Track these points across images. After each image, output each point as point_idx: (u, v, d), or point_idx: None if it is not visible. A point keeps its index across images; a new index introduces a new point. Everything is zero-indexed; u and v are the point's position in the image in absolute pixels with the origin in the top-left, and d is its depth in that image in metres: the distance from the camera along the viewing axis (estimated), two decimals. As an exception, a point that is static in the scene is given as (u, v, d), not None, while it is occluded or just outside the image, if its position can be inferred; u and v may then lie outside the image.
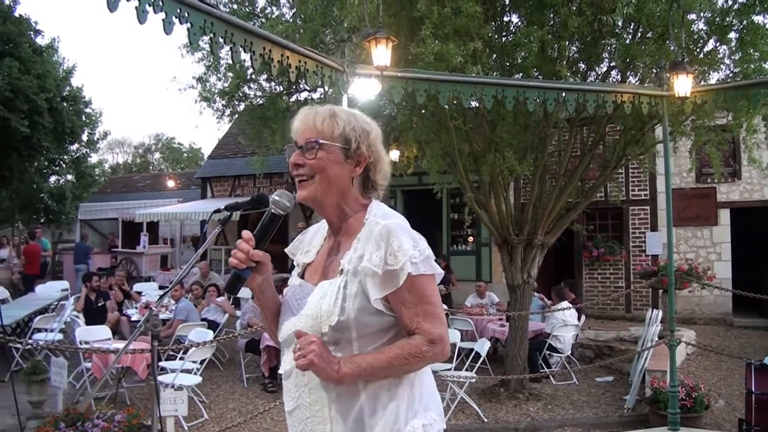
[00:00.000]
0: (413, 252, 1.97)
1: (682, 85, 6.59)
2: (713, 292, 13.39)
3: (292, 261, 2.41)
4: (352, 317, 2.00)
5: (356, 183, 2.16)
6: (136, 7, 3.72)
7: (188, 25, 4.08)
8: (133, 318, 11.08)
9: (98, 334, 8.94)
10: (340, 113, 2.15)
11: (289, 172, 2.19)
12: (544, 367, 9.88)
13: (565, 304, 10.37)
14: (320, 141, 2.08)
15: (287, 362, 2.14)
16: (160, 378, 7.86)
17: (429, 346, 1.97)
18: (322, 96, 13.56)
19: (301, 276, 2.28)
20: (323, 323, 2.01)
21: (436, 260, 2.08)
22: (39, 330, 10.27)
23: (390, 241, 1.98)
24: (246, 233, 2.11)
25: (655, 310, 10.02)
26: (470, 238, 16.51)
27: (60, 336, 10.19)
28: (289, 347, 2.12)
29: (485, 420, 8.00)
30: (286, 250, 2.46)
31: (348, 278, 2.03)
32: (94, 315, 10.64)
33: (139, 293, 13.50)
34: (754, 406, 5.92)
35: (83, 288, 11.22)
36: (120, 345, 8.22)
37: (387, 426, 2.00)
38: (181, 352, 8.33)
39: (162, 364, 8.43)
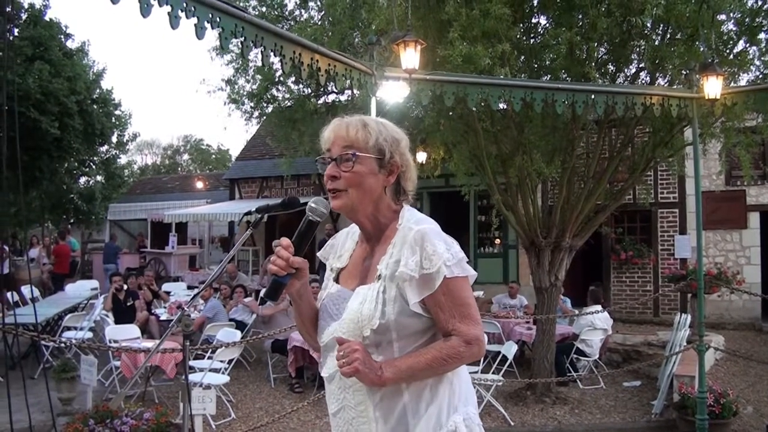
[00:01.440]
0: (447, 255, 2.02)
1: (712, 86, 6.53)
2: (742, 296, 13.25)
3: (319, 264, 2.45)
4: (392, 320, 2.05)
5: (388, 191, 2.20)
6: (168, 13, 3.76)
7: (219, 29, 4.12)
8: (162, 317, 11.19)
9: (127, 333, 9.05)
10: (371, 123, 2.19)
11: (322, 181, 2.21)
12: (572, 370, 9.82)
13: (597, 307, 10.30)
14: (357, 153, 2.11)
15: (330, 366, 2.19)
16: (189, 377, 7.92)
17: (466, 347, 2.03)
18: (350, 98, 13.62)
19: (336, 281, 2.32)
20: (365, 327, 2.06)
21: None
22: (69, 328, 10.42)
23: (425, 245, 2.03)
24: (285, 240, 2.13)
25: (683, 314, 9.93)
26: (497, 241, 16.46)
27: (89, 334, 10.33)
28: (331, 352, 2.18)
29: (512, 423, 7.99)
30: (318, 254, 2.49)
31: (386, 283, 2.08)
32: (123, 314, 10.77)
33: (168, 293, 13.63)
34: (785, 413, 5.86)
35: (111, 286, 11.36)
36: (149, 344, 8.31)
37: (430, 423, 2.07)
38: (210, 351, 8.40)
39: (190, 363, 8.49)
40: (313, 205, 2.17)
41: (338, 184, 2.14)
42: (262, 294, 10.58)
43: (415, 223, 2.11)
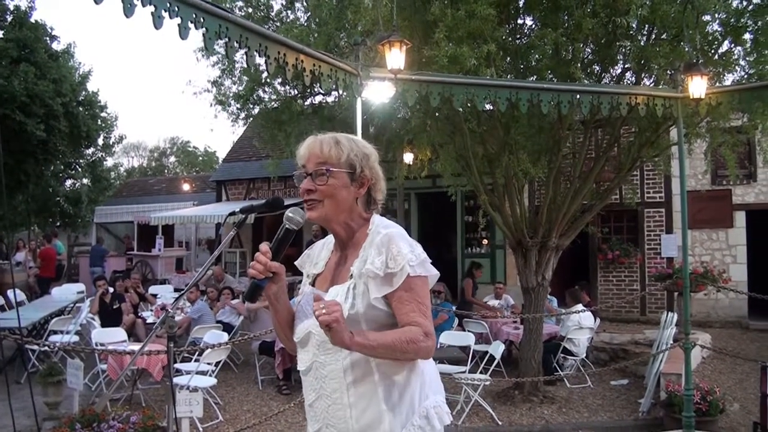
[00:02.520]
0: (410, 256, 2.23)
1: (697, 86, 6.57)
2: (729, 295, 13.31)
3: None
4: (361, 312, 2.24)
5: (360, 202, 2.41)
6: (151, 13, 3.74)
7: (204, 30, 4.11)
8: (149, 320, 11.14)
9: (114, 336, 9.01)
10: (343, 140, 2.38)
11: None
12: (559, 370, 9.85)
13: (579, 306, 10.34)
14: (330, 168, 2.32)
15: (306, 360, 2.38)
16: (175, 380, 7.87)
17: (424, 338, 2.18)
18: (337, 99, 13.61)
19: (312, 284, 2.51)
20: None
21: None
22: (55, 332, 10.35)
23: (390, 247, 2.23)
24: (263, 246, 2.32)
25: (670, 312, 9.96)
26: (484, 241, 16.48)
27: (76, 338, 10.27)
28: (305, 347, 2.39)
29: (499, 423, 7.99)
30: (296, 263, 2.67)
31: (356, 281, 2.28)
32: (109, 317, 10.71)
33: (155, 296, 13.57)
34: (771, 410, 5.89)
35: (96, 290, 11.31)
36: (135, 347, 8.27)
37: (403, 409, 2.26)
38: (196, 354, 8.37)
39: (177, 366, 8.47)
40: (290, 214, 2.37)
41: (314, 197, 2.34)
42: (241, 297, 10.60)
43: (383, 228, 2.33)
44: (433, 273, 2.31)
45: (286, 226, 2.36)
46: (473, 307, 12.00)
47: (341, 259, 2.44)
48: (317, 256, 2.57)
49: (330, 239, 2.54)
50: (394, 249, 2.22)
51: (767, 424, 5.87)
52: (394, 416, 2.24)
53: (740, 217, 14.43)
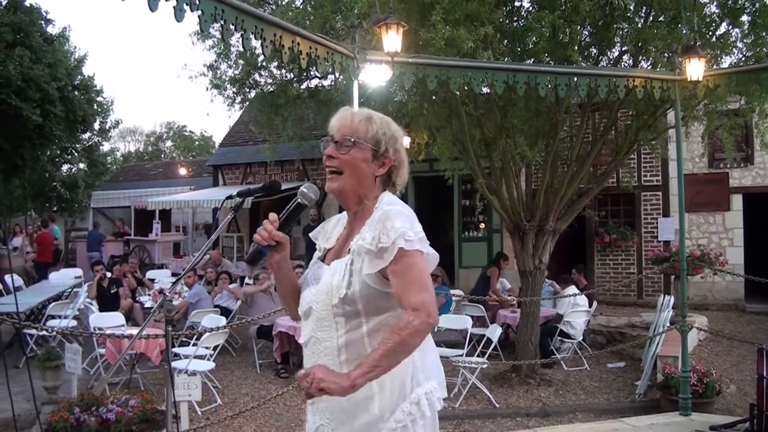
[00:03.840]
0: (406, 231, 2.17)
1: (695, 69, 6.56)
2: (725, 277, 13.36)
3: (307, 246, 2.59)
4: (357, 290, 2.22)
5: (378, 181, 2.40)
6: (147, -5, 3.73)
7: (199, 12, 4.10)
8: (147, 305, 11.15)
9: (112, 321, 9.01)
10: (375, 118, 2.40)
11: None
12: (556, 353, 9.89)
13: (573, 289, 10.38)
14: (354, 139, 2.33)
15: (306, 332, 2.40)
16: (173, 364, 7.89)
17: (414, 315, 2.10)
18: (333, 83, 13.56)
19: (322, 259, 2.51)
20: (333, 296, 2.25)
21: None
22: (53, 317, 10.35)
23: (385, 222, 2.20)
24: (272, 215, 2.36)
25: (667, 296, 10.00)
26: (481, 225, 16.47)
27: (74, 323, 10.28)
28: (307, 318, 2.39)
29: (497, 405, 8.03)
30: (310, 234, 2.69)
31: (354, 257, 2.27)
32: (107, 302, 10.72)
33: (152, 280, 13.58)
34: (766, 392, 5.88)
35: (94, 275, 11.31)
36: (133, 332, 8.28)
37: (394, 394, 2.24)
38: (195, 338, 8.38)
39: (175, 350, 8.49)
40: (304, 190, 2.40)
41: (334, 164, 2.35)
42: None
43: (386, 204, 2.31)
44: (432, 253, 2.26)
45: (299, 200, 2.40)
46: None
47: (350, 234, 2.43)
48: (331, 230, 2.58)
49: (344, 215, 2.54)
50: (388, 224, 2.19)
51: (764, 405, 5.89)
52: (383, 398, 2.24)
53: (737, 201, 14.45)
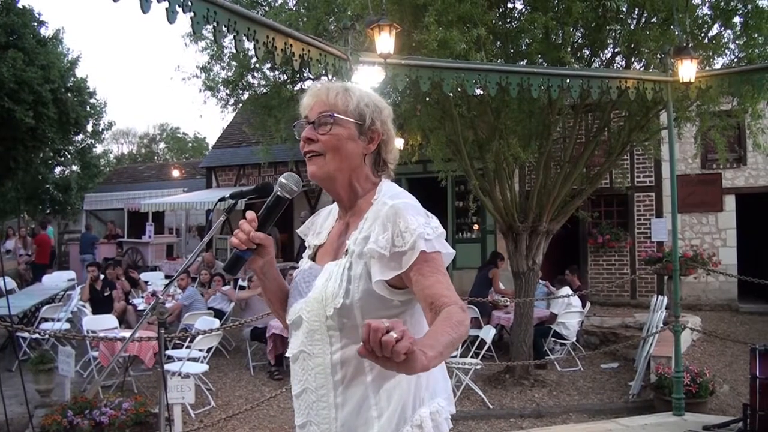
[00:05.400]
0: (425, 230, 1.87)
1: (687, 70, 6.59)
2: (719, 278, 13.39)
3: (301, 247, 2.38)
4: (356, 299, 1.92)
5: (368, 160, 2.09)
6: (139, -3, 3.73)
7: (191, 14, 4.09)
8: (140, 307, 11.12)
9: (105, 323, 8.99)
10: (353, 88, 2.10)
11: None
12: (549, 353, 9.90)
13: (568, 290, 10.39)
14: (335, 115, 2.01)
15: (294, 346, 2.09)
16: (167, 366, 7.90)
17: (465, 314, 1.78)
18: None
19: (313, 258, 2.21)
20: (328, 306, 1.95)
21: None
22: (46, 320, 10.31)
23: (397, 221, 1.89)
24: (250, 214, 2.07)
25: (660, 296, 10.03)
26: (475, 226, 16.50)
27: (67, 325, 10.24)
28: (297, 330, 2.08)
29: (490, 406, 8.04)
30: (298, 231, 2.41)
31: (353, 259, 1.97)
32: (100, 304, 10.68)
33: (146, 283, 13.55)
34: (759, 391, 5.90)
35: (87, 275, 11.28)
36: (126, 334, 8.26)
37: (394, 415, 1.94)
38: (188, 340, 8.37)
39: (169, 352, 8.48)
40: (283, 180, 2.09)
41: (315, 147, 2.03)
42: (222, 267, 10.53)
43: (390, 198, 1.98)
44: (450, 252, 1.95)
45: (278, 193, 2.08)
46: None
47: (344, 229, 2.12)
48: (321, 224, 2.27)
49: (336, 206, 2.21)
50: (402, 223, 1.87)
51: (757, 405, 5.91)
52: (381, 425, 1.94)
53: (730, 201, 14.49)
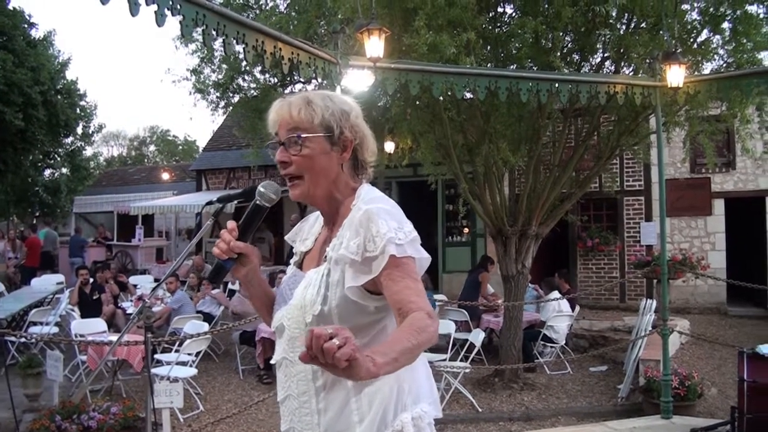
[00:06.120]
0: (395, 234, 1.86)
1: (675, 75, 6.62)
2: (707, 281, 13.44)
3: (290, 252, 2.36)
4: (333, 306, 1.93)
5: (346, 167, 2.08)
6: (128, 0, 3.72)
7: (180, 17, 4.09)
8: (129, 311, 11.08)
9: (93, 327, 8.95)
10: (315, 99, 2.05)
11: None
12: (539, 357, 9.92)
13: (556, 294, 10.41)
14: (302, 135, 1.99)
15: (278, 353, 2.12)
16: (155, 370, 7.88)
17: (431, 321, 1.76)
18: (317, 87, 13.55)
19: (300, 264, 2.23)
20: (307, 313, 1.97)
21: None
22: (34, 323, 10.28)
23: (369, 226, 1.88)
24: (231, 223, 2.07)
25: (649, 299, 10.06)
26: (465, 230, 16.51)
27: (55, 329, 10.21)
28: (281, 336, 2.11)
29: (479, 410, 8.04)
30: (286, 237, 2.42)
31: (331, 266, 1.98)
32: (89, 308, 10.64)
33: (135, 286, 13.51)
34: (747, 394, 5.93)
35: (78, 278, 11.24)
36: (115, 338, 8.23)
37: (375, 419, 1.94)
38: (177, 344, 8.35)
39: (157, 356, 8.45)
40: (261, 189, 2.09)
41: (291, 170, 2.03)
42: (206, 276, 10.48)
43: (365, 203, 1.97)
44: (425, 256, 1.94)
45: (257, 201, 2.09)
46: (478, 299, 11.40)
47: (328, 236, 2.12)
48: (308, 230, 2.27)
49: None
50: (373, 228, 1.87)
51: (744, 408, 5.93)
52: (363, 429, 1.95)
53: (719, 205, 14.56)
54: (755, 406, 5.86)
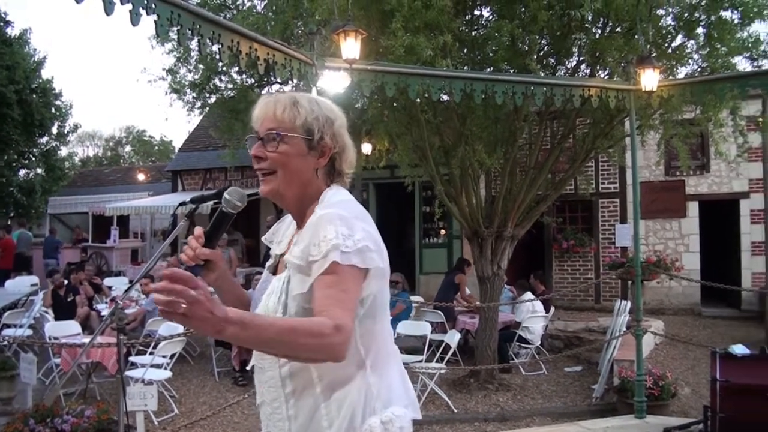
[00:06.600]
0: (342, 241, 1.82)
1: (649, 79, 6.69)
2: (682, 283, 13.56)
3: (266, 254, 2.33)
4: (293, 314, 1.90)
5: (320, 174, 2.07)
6: (102, -1, 3.71)
7: (155, 16, 4.07)
8: (103, 313, 10.98)
9: (68, 330, 8.87)
10: (302, 101, 2.04)
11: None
12: (514, 357, 9.97)
13: (530, 295, 10.47)
14: (281, 133, 1.99)
15: (253, 359, 2.10)
16: (130, 373, 7.83)
17: (333, 331, 1.70)
18: (294, 88, 13.52)
19: (275, 268, 2.19)
20: None
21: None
22: (8, 326, 10.16)
23: (317, 231, 1.86)
24: (198, 230, 2.06)
25: (623, 300, 10.14)
26: (442, 231, 16.55)
27: (29, 332, 10.10)
28: None
29: (455, 410, 8.07)
30: (263, 238, 2.38)
31: (291, 272, 1.95)
32: (63, 310, 10.53)
33: (110, 288, 13.39)
34: (719, 394, 5.99)
35: (51, 284, 11.12)
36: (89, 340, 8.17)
37: (343, 424, 1.92)
38: (152, 346, 8.29)
39: (132, 359, 8.40)
40: (227, 196, 2.06)
41: (264, 165, 2.02)
42: None
43: (324, 207, 1.95)
44: (376, 266, 1.89)
45: (222, 208, 2.06)
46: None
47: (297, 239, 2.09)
48: (283, 232, 2.23)
49: None
50: (321, 233, 1.83)
51: (717, 407, 6.01)
52: None
53: (693, 207, 14.69)
54: (727, 406, 5.93)
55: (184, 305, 1.51)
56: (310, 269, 1.84)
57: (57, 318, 9.89)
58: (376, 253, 1.90)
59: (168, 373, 8.21)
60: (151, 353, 8.31)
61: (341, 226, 1.85)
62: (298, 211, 2.10)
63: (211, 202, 2.34)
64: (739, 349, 6.27)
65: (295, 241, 2.01)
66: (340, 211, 1.91)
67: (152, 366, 7.94)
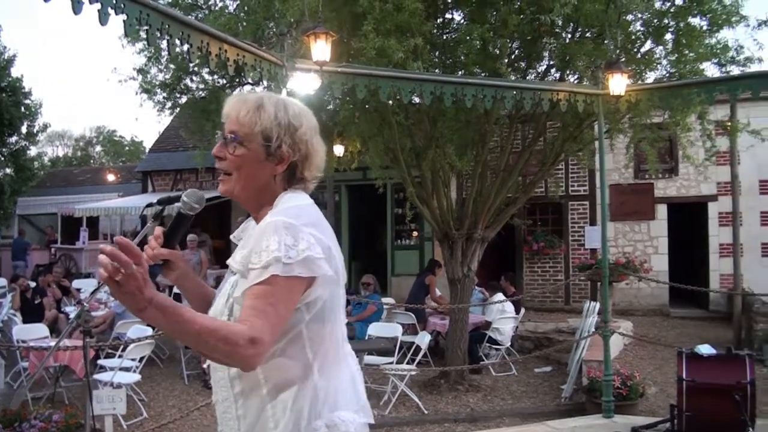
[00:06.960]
0: (286, 252, 1.80)
1: (617, 84, 6.77)
2: (650, 284, 13.73)
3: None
4: (237, 317, 1.88)
5: (279, 180, 2.03)
6: (70, -2, 3.68)
7: (124, 16, 4.04)
8: (71, 315, 10.86)
9: (35, 333, 8.76)
10: (268, 105, 2.00)
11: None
12: (484, 358, 10.02)
13: (500, 296, 10.54)
14: (239, 137, 1.98)
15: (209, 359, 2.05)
16: (98, 376, 7.76)
17: (246, 343, 1.69)
18: (265, 90, 13.46)
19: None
20: None
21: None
22: (-26, 329, 10.02)
23: (260, 239, 1.84)
24: (157, 230, 2.09)
25: (592, 302, 10.23)
26: (414, 233, 16.58)
27: (-4, 335, 9.97)
28: None
29: (425, 412, 8.09)
30: (231, 236, 2.32)
31: (238, 276, 1.97)
32: (31, 313, 10.42)
33: (78, 290, 13.23)
34: (685, 393, 6.09)
35: (16, 287, 10.98)
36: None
37: (288, 426, 1.91)
38: (120, 349, 8.22)
39: (100, 362, 8.31)
40: (185, 198, 2.09)
41: (222, 165, 2.02)
42: None
43: (274, 213, 1.93)
44: (323, 273, 1.87)
45: (180, 210, 2.10)
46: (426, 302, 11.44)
47: None
48: (251, 231, 2.13)
49: None
50: (263, 242, 1.82)
51: (683, 406, 6.10)
52: None
53: (662, 210, 14.89)
54: (693, 404, 6.03)
55: (122, 274, 1.55)
56: (250, 277, 1.82)
57: (25, 321, 9.78)
58: (324, 260, 1.88)
59: (137, 377, 8.14)
60: (119, 356, 8.24)
61: (286, 235, 1.82)
62: (255, 213, 2.09)
63: (177, 203, 2.35)
64: (705, 349, 6.38)
65: (241, 245, 2.01)
66: (288, 218, 1.87)
67: (121, 369, 7.87)
